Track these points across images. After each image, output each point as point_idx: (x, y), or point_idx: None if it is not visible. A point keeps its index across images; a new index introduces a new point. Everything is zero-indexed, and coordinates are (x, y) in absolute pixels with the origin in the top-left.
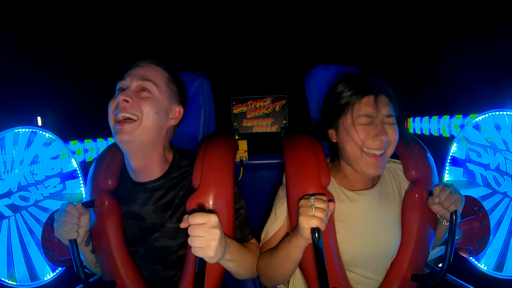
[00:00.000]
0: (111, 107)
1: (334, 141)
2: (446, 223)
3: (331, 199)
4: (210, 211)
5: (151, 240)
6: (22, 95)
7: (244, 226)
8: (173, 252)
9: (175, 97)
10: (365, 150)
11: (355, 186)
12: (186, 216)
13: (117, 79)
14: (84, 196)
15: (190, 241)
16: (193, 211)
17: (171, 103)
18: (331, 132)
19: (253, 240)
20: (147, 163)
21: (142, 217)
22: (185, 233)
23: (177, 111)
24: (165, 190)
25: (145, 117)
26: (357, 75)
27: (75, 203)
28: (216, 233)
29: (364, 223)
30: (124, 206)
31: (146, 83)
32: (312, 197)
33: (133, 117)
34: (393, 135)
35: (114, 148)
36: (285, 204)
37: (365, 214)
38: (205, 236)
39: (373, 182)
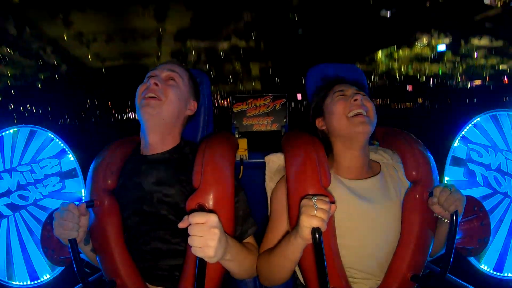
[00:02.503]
0: (140, 89)
1: (324, 128)
2: (447, 220)
3: (332, 201)
4: (210, 211)
5: (143, 209)
6: (22, 94)
7: (245, 219)
8: (171, 222)
9: (192, 93)
10: (349, 115)
11: (354, 174)
12: (186, 216)
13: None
14: (83, 195)
15: (190, 240)
16: (193, 211)
17: (189, 96)
18: (319, 121)
19: (252, 241)
20: (161, 140)
21: (143, 188)
22: (184, 231)
23: (193, 104)
24: (165, 166)
25: (170, 99)
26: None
27: (76, 203)
28: (215, 233)
29: (361, 210)
30: (128, 179)
31: (173, 74)
32: (315, 197)
33: (160, 98)
34: (366, 99)
35: (114, 147)
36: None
37: (362, 202)
38: (204, 236)
39: (372, 172)
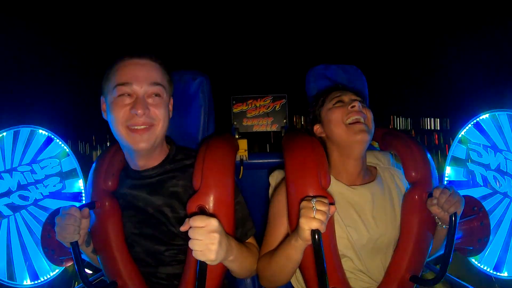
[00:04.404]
0: (122, 116)
1: (323, 135)
2: (445, 226)
3: (332, 202)
4: (211, 214)
5: (141, 219)
6: (22, 94)
7: (245, 222)
8: (160, 231)
9: (170, 90)
10: (348, 122)
11: (352, 180)
12: (187, 219)
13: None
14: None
15: (191, 244)
16: (193, 214)
17: (169, 98)
18: (317, 128)
19: (252, 240)
20: (151, 158)
21: (139, 201)
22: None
23: (171, 103)
24: (158, 178)
25: (161, 121)
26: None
27: (76, 205)
28: (215, 237)
29: (359, 215)
30: (122, 189)
31: (157, 88)
32: (314, 199)
33: (150, 125)
34: (364, 106)
35: (114, 149)
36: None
37: (360, 207)
38: (204, 240)
39: (370, 178)
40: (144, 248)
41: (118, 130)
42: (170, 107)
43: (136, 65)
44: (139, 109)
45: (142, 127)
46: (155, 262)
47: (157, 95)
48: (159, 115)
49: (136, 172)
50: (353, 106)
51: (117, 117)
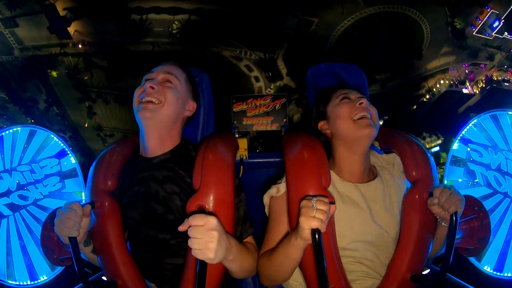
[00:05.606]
0: (137, 93)
1: (328, 131)
2: (446, 224)
3: (332, 202)
4: (210, 213)
5: (148, 206)
6: (21, 94)
7: (245, 221)
8: (167, 219)
9: (191, 93)
10: (355, 118)
11: (356, 177)
12: (186, 219)
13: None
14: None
15: (190, 243)
16: (193, 213)
17: (187, 97)
18: (322, 124)
19: (251, 240)
20: (161, 143)
21: (147, 187)
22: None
23: (192, 105)
24: (167, 165)
25: (168, 101)
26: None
27: (81, 202)
28: (214, 236)
29: (361, 213)
30: (131, 179)
31: (170, 76)
32: (314, 199)
33: (157, 102)
34: (369, 104)
35: (113, 149)
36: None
37: (366, 203)
38: (203, 238)
39: (372, 176)
40: (149, 236)
41: (134, 104)
42: (189, 107)
43: (162, 66)
44: (149, 83)
45: (149, 99)
46: (161, 252)
47: (168, 81)
48: (167, 96)
49: (146, 159)
50: (361, 103)
51: (135, 95)
